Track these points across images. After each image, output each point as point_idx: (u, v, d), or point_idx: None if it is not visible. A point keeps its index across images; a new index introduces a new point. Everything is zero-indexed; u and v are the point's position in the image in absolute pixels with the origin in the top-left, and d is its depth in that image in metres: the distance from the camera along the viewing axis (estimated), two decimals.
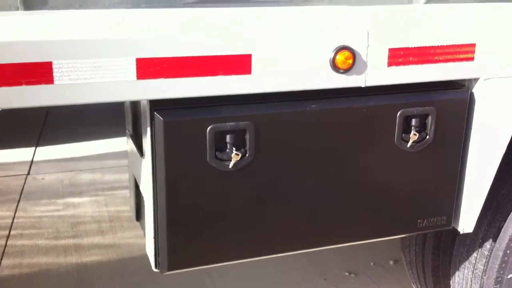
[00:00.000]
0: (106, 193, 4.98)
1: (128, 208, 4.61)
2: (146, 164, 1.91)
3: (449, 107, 2.07)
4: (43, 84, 1.60)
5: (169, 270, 1.88)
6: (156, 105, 1.78)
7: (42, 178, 5.31)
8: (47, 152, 5.99)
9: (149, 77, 1.70)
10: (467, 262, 2.46)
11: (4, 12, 1.75)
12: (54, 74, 1.59)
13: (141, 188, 2.07)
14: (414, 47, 1.95)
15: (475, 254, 2.41)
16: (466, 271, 2.47)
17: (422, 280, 2.89)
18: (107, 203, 4.75)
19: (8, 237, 4.17)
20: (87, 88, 1.64)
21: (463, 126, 2.11)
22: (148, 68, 1.68)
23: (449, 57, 2.00)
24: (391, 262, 3.74)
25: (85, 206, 4.72)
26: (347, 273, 3.62)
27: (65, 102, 1.64)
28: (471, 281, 2.45)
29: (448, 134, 2.10)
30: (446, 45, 1.98)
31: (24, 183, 5.19)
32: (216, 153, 1.83)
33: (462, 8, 2.23)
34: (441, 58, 1.99)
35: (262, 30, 1.81)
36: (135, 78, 1.68)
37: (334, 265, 3.70)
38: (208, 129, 1.80)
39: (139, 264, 3.77)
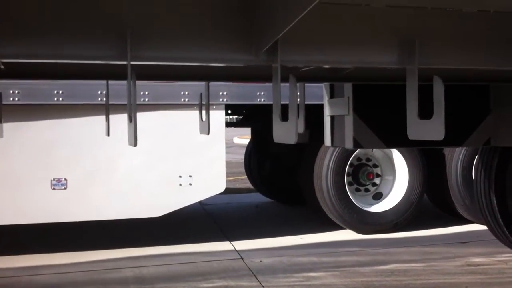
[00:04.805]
0: (337, 269, 4.91)
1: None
2: None
3: None
4: None
5: None
6: None
7: (260, 261, 5.28)
8: (241, 245, 5.99)
9: None
10: None
11: None
12: None
13: None
14: None
15: None
16: None
17: None
18: (346, 276, 4.67)
19: None
20: None
21: None
22: None
23: None
24: None
25: (326, 278, 4.64)
26: None
27: None
28: None
29: None
30: None
31: (246, 264, 5.16)
32: None
33: None
34: None
35: None
36: None
37: None
38: None
39: None
